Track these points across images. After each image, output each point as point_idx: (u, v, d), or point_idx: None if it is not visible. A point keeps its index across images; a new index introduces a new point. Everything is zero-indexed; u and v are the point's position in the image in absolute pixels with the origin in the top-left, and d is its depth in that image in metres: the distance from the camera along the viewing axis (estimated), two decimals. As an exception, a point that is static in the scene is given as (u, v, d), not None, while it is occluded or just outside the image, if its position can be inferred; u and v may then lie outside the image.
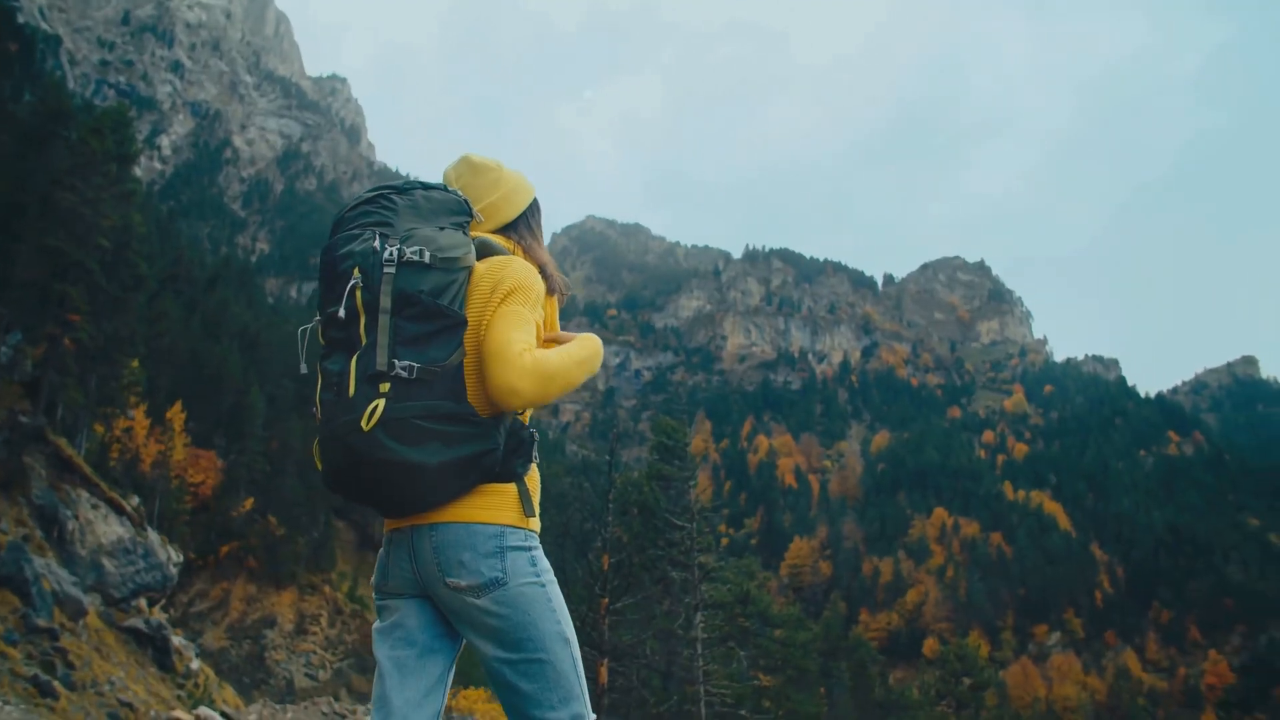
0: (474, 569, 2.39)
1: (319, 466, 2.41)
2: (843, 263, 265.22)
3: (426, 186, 2.64)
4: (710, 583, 23.67)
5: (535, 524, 2.55)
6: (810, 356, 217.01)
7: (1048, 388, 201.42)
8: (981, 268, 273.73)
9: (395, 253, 2.37)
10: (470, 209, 2.70)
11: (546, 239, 3.06)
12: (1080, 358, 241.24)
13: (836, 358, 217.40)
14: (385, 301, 2.32)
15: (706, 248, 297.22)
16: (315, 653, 51.81)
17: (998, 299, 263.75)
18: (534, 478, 2.59)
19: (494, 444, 2.42)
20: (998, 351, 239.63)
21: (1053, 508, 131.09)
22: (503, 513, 2.45)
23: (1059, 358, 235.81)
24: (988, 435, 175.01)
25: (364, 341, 2.32)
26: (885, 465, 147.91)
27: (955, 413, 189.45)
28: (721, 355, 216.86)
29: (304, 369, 2.58)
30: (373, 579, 2.65)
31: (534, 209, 3.01)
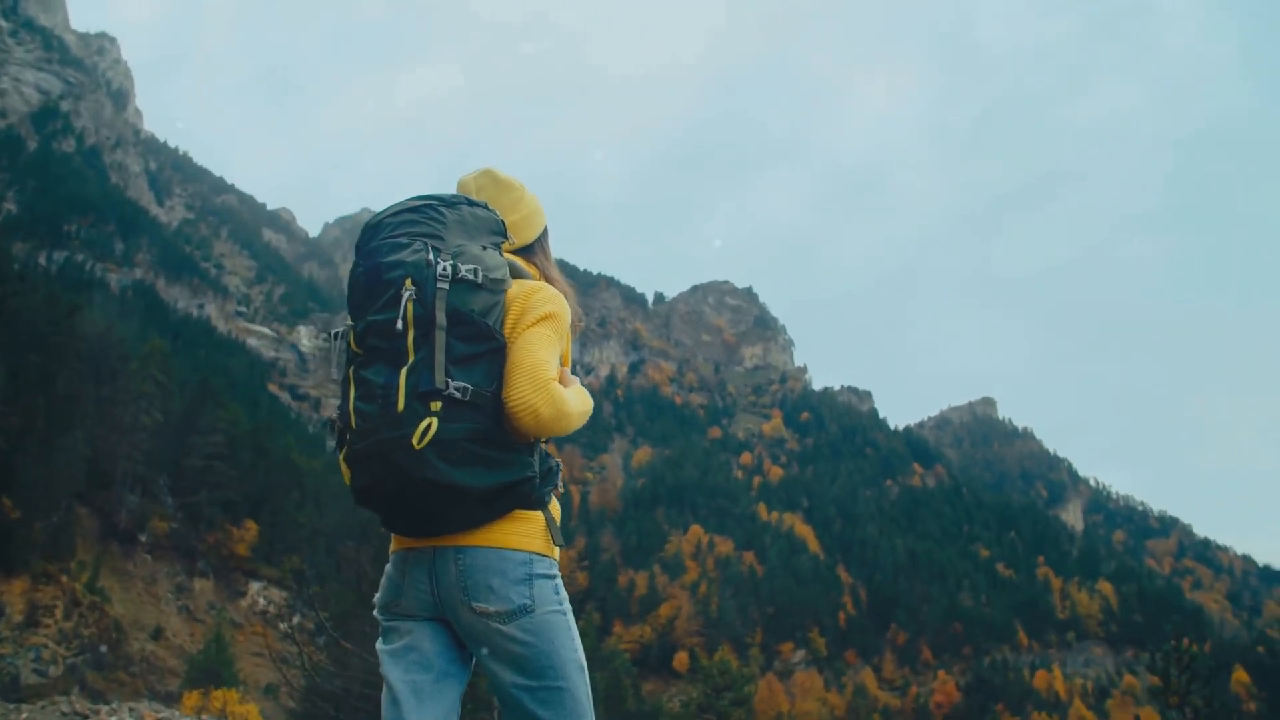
0: (503, 595, 2.38)
1: (348, 479, 2.38)
2: (616, 278, 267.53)
3: (471, 202, 2.62)
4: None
5: (558, 553, 2.56)
6: (578, 368, 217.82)
7: (805, 414, 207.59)
8: (750, 294, 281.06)
9: (449, 268, 2.34)
10: (506, 231, 2.69)
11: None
12: (837, 388, 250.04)
13: (604, 371, 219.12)
14: (441, 318, 2.29)
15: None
16: (47, 647, 48.52)
17: (763, 325, 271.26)
18: (555, 507, 2.58)
19: (531, 471, 2.41)
20: (760, 376, 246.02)
21: (804, 530, 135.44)
22: (533, 540, 2.45)
23: (817, 386, 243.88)
24: (746, 457, 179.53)
25: (412, 356, 2.28)
26: (646, 480, 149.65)
27: (716, 433, 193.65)
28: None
29: (335, 374, 2.50)
30: (378, 599, 2.61)
31: (546, 234, 3.01)
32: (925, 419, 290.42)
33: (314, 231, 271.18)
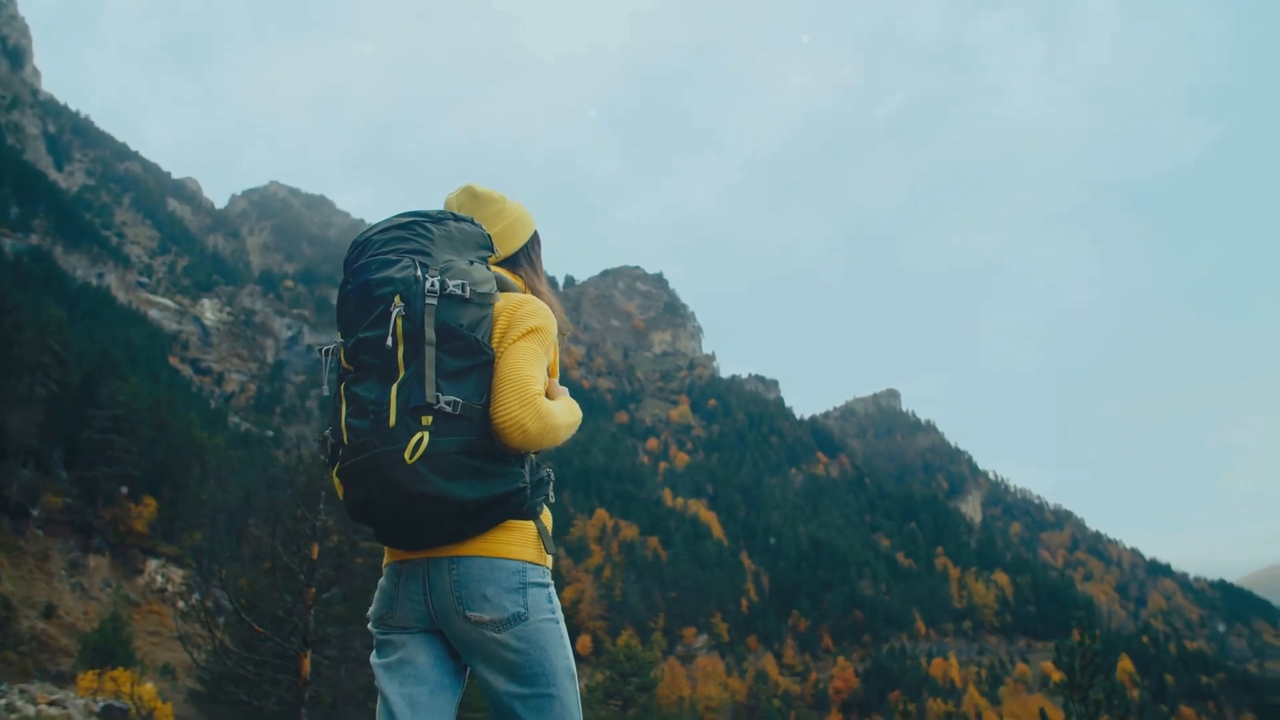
0: (497, 603, 2.40)
1: (341, 494, 2.42)
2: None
3: (457, 218, 2.64)
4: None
5: (551, 561, 2.57)
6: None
7: (711, 401, 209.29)
8: (660, 280, 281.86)
9: (437, 284, 2.37)
10: (492, 244, 2.71)
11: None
12: (744, 376, 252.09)
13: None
14: (430, 333, 2.32)
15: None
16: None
17: (672, 312, 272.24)
18: (547, 516, 2.60)
19: (523, 482, 2.43)
20: (668, 362, 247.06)
21: (708, 516, 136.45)
22: (525, 549, 2.48)
23: (725, 374, 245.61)
24: (652, 442, 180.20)
25: (402, 371, 2.31)
26: (551, 463, 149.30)
27: (623, 418, 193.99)
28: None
29: (326, 390, 2.51)
30: (371, 612, 2.63)
31: (535, 242, 3.00)
32: (830, 409, 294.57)
33: (221, 203, 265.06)
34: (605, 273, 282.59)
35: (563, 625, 2.54)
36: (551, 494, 2.60)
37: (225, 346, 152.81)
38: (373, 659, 2.58)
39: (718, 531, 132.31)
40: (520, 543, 2.46)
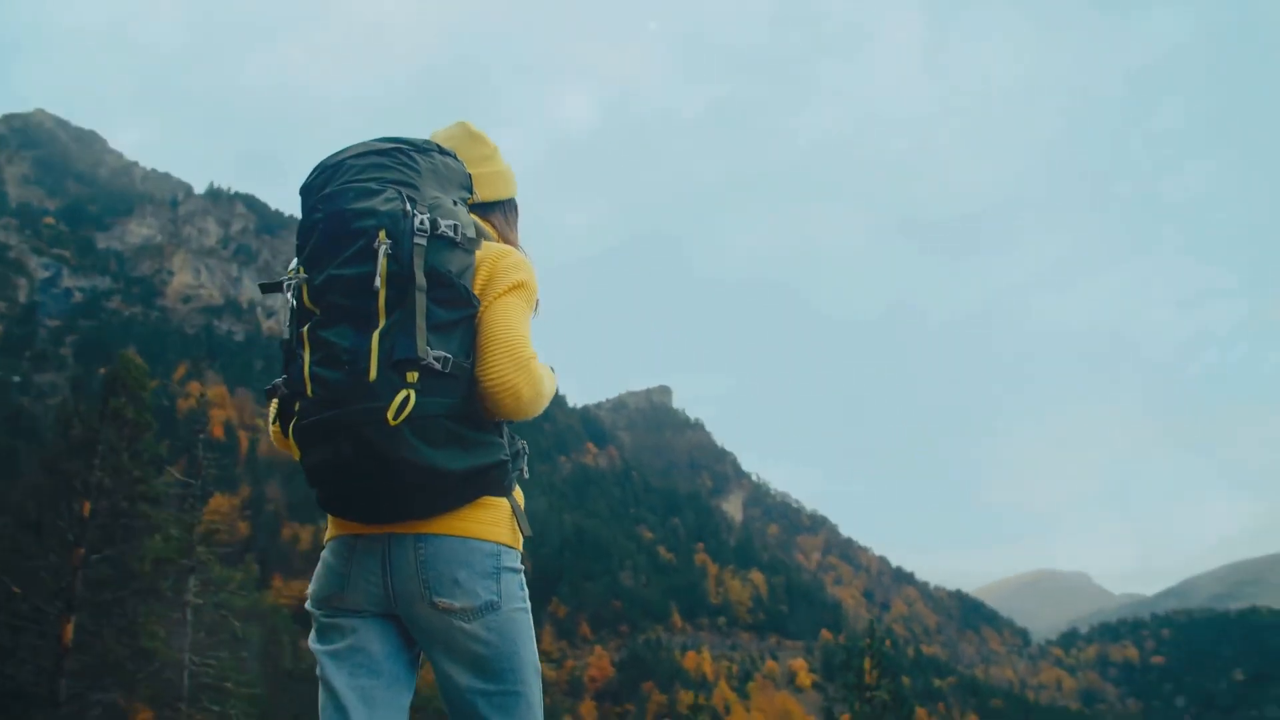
0: (470, 589, 2.17)
1: (296, 454, 2.16)
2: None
3: (443, 151, 2.40)
4: (207, 546, 21.42)
5: (521, 543, 2.37)
6: (259, 310, 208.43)
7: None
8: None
9: (428, 222, 2.12)
10: (472, 186, 2.50)
11: None
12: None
13: (284, 316, 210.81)
14: (421, 278, 2.07)
15: (167, 175, 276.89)
16: None
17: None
18: (519, 494, 2.39)
19: (505, 454, 2.24)
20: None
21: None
22: (499, 529, 2.24)
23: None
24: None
25: (384, 319, 2.05)
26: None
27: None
28: (166, 291, 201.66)
29: (286, 334, 2.25)
30: (313, 590, 2.35)
31: (513, 207, 2.75)
32: (603, 400, 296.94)
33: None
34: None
35: (531, 615, 2.32)
36: (526, 469, 2.39)
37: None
38: (313, 644, 2.31)
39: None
40: (494, 521, 2.23)
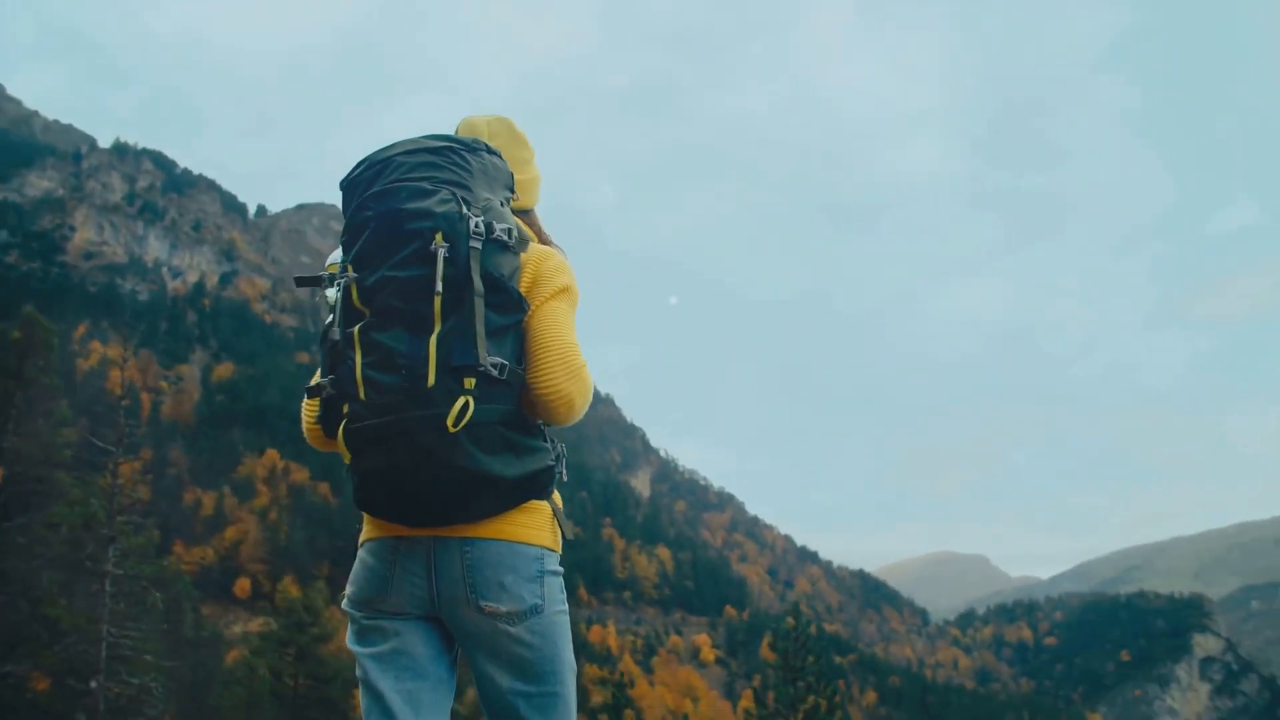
0: (516, 593, 2.16)
1: (348, 459, 2.11)
2: (218, 182, 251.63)
3: (490, 150, 2.37)
4: (127, 515, 20.75)
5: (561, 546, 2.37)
6: (165, 270, 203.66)
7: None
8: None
9: (483, 226, 2.10)
10: (514, 187, 2.47)
11: None
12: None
13: (192, 277, 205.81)
14: (478, 282, 2.05)
15: (70, 127, 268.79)
16: None
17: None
18: (557, 496, 2.37)
19: (552, 459, 2.23)
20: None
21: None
22: (543, 533, 2.24)
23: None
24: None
25: (439, 323, 2.03)
26: (224, 397, 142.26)
27: (304, 358, 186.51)
28: (67, 248, 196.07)
29: (337, 335, 2.16)
30: (353, 593, 2.32)
31: (535, 214, 2.72)
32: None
33: None
34: (301, 207, 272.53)
35: (568, 616, 2.32)
36: (565, 471, 2.34)
37: None
38: (355, 647, 2.30)
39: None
40: (538, 525, 2.23)
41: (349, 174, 2.26)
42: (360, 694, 2.25)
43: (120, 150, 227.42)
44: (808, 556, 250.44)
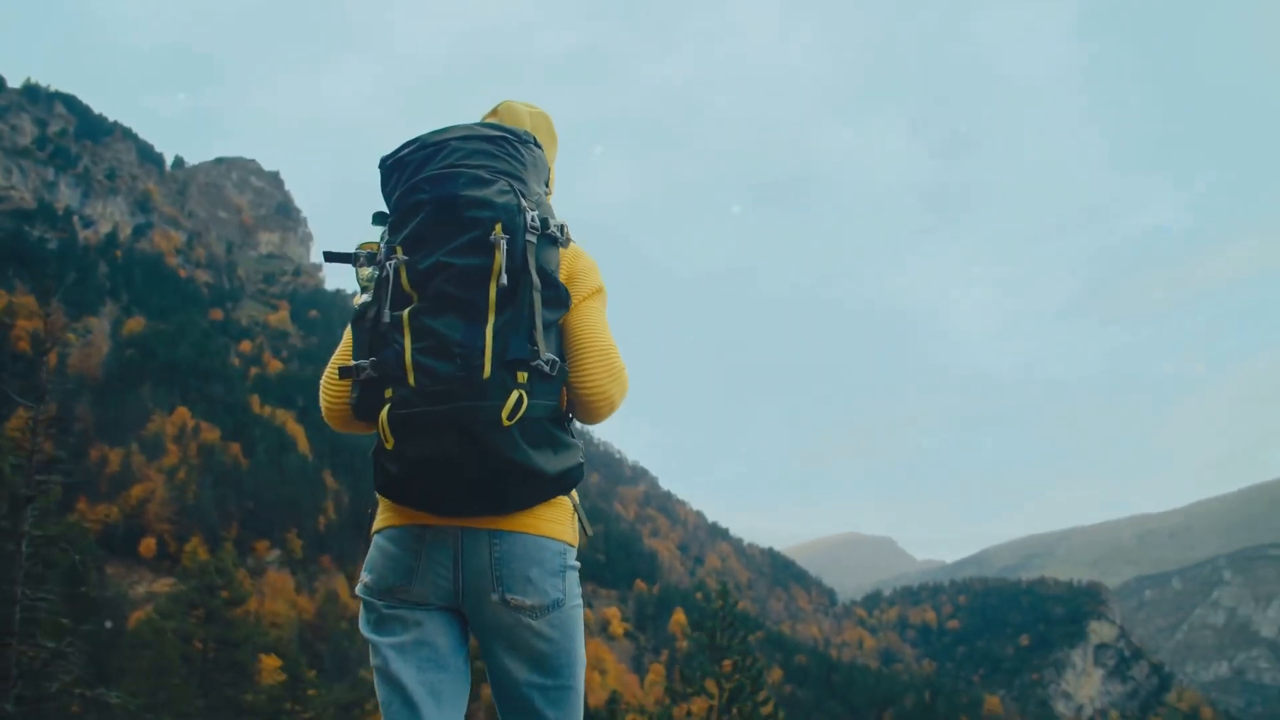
0: (541, 587, 2.18)
1: (390, 444, 2.06)
2: (134, 130, 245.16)
3: (538, 143, 2.35)
4: (47, 473, 20.08)
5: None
6: (76, 219, 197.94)
7: (313, 312, 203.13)
8: (276, 179, 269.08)
9: (538, 220, 2.11)
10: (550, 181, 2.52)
11: None
12: (350, 291, 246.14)
13: (105, 228, 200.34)
14: (535, 277, 2.06)
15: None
16: None
17: (284, 213, 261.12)
18: (575, 492, 2.38)
19: (583, 456, 2.25)
20: (273, 264, 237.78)
21: (295, 429, 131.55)
22: (566, 528, 2.27)
23: (331, 286, 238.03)
24: (245, 345, 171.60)
25: (493, 314, 2.02)
26: (134, 352, 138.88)
27: (218, 315, 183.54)
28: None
29: (387, 317, 2.09)
30: (373, 580, 2.28)
31: None
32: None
33: None
34: (219, 160, 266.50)
35: (583, 610, 2.35)
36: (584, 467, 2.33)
37: None
38: (373, 636, 2.26)
39: (304, 445, 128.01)
40: (562, 520, 2.26)
41: (395, 152, 2.21)
42: (377, 684, 2.23)
43: (31, 92, 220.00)
44: (719, 533, 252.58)
